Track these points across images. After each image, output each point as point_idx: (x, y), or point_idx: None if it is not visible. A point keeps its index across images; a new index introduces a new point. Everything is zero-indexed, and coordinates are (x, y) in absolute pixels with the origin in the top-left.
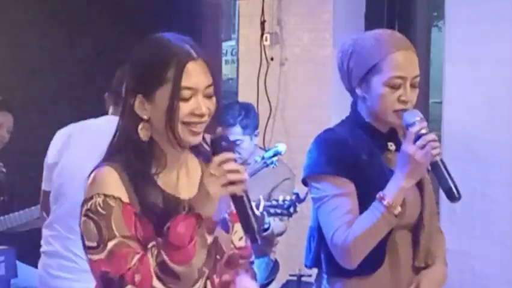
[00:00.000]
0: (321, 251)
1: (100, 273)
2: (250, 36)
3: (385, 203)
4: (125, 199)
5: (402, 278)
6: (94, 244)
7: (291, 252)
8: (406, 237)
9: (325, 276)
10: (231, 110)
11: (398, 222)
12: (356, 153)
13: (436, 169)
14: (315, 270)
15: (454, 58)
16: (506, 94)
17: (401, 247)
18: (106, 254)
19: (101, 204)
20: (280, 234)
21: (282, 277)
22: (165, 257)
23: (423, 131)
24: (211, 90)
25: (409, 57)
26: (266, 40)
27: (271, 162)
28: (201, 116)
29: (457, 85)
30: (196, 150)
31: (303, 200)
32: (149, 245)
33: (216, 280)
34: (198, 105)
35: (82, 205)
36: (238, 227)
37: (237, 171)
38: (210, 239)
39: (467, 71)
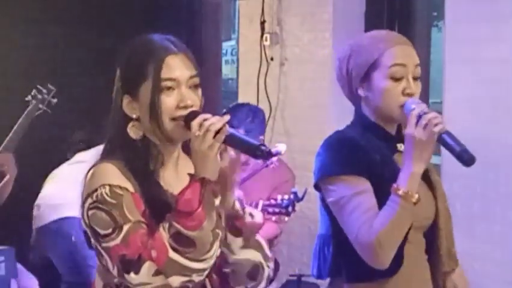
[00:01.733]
0: (340, 258)
1: (119, 257)
2: (250, 36)
3: (400, 192)
4: (132, 190)
5: (420, 281)
6: (109, 231)
7: (291, 252)
8: (420, 240)
9: (345, 285)
10: (238, 112)
11: (415, 221)
12: (369, 153)
13: (443, 142)
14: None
15: (453, 58)
16: (506, 94)
17: (416, 250)
18: (121, 238)
19: (109, 194)
20: (274, 238)
21: (282, 277)
22: (178, 226)
23: (423, 112)
24: (195, 80)
25: (408, 50)
26: (266, 40)
27: (271, 162)
28: (186, 107)
29: (457, 85)
30: (188, 149)
31: (301, 199)
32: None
33: (214, 276)
34: (181, 97)
35: (85, 201)
36: None
37: (217, 122)
38: (216, 201)
39: (467, 71)
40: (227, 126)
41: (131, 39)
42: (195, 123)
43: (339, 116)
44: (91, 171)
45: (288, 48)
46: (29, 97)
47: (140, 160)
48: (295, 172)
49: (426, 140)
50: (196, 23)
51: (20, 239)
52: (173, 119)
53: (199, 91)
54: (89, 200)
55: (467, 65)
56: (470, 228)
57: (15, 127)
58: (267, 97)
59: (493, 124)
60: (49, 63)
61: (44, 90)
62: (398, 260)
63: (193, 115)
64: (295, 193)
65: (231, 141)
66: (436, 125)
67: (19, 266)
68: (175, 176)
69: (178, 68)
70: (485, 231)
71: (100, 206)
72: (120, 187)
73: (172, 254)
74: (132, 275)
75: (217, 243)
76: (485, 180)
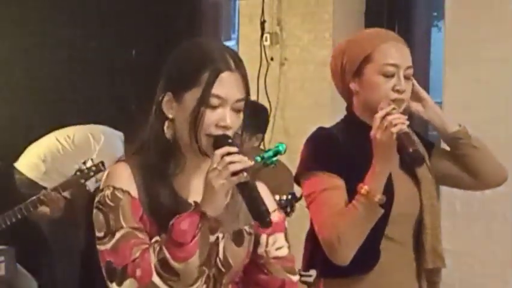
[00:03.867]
0: (316, 251)
1: (105, 263)
2: (250, 36)
3: (362, 191)
4: (134, 195)
5: (402, 278)
6: (101, 235)
7: (291, 252)
8: (406, 236)
9: (321, 278)
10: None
11: (395, 217)
12: (345, 150)
13: (399, 142)
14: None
15: (453, 58)
16: (506, 94)
17: (400, 246)
18: (112, 245)
19: (109, 196)
20: None
21: None
22: (166, 254)
23: (387, 114)
24: (241, 105)
25: (400, 48)
26: (266, 40)
27: (271, 162)
28: (225, 128)
29: (456, 85)
30: None
31: (300, 198)
32: (152, 240)
33: None
34: (223, 117)
35: (96, 197)
36: (275, 238)
37: (239, 162)
38: (212, 238)
39: (467, 72)
40: (245, 173)
41: (130, 39)
42: (218, 153)
43: (339, 116)
44: (108, 169)
45: (288, 48)
46: (81, 165)
47: (162, 159)
48: (294, 172)
49: (386, 140)
50: (196, 23)
51: (20, 239)
52: (208, 135)
53: (241, 115)
54: (96, 198)
55: (467, 65)
56: (470, 228)
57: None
58: (267, 97)
59: (493, 124)
60: (50, 63)
61: (94, 168)
62: (374, 256)
63: (222, 140)
64: (293, 193)
65: (242, 189)
66: (396, 125)
67: (18, 267)
68: (194, 184)
69: (230, 87)
70: (485, 231)
71: (100, 206)
72: (122, 190)
73: (155, 278)
74: (115, 285)
75: (202, 279)
76: None
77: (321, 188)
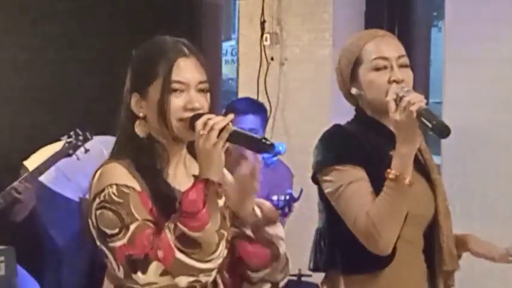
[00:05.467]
0: (335, 250)
1: (125, 257)
2: (250, 36)
3: (391, 175)
4: (139, 189)
5: (413, 278)
6: (116, 231)
7: (291, 252)
8: (418, 240)
9: (341, 277)
10: (243, 100)
11: (410, 218)
12: (364, 146)
13: (420, 119)
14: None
15: (453, 58)
16: (506, 94)
17: (413, 249)
18: (128, 238)
19: (116, 193)
20: None
21: None
22: (182, 228)
23: (402, 95)
24: (205, 86)
25: (387, 41)
26: (266, 40)
27: (271, 162)
28: (193, 110)
29: (457, 85)
30: (193, 151)
31: (297, 199)
32: (165, 224)
33: (227, 275)
34: (190, 99)
35: (92, 201)
36: None
37: (221, 120)
38: (220, 202)
39: (467, 71)
40: (230, 124)
41: (130, 39)
42: (199, 123)
43: (339, 116)
44: (98, 172)
45: (288, 48)
46: (65, 137)
47: (146, 158)
48: (294, 172)
49: (407, 120)
50: (196, 23)
51: (20, 239)
52: (180, 119)
53: (208, 96)
54: (97, 200)
55: (467, 64)
56: (470, 228)
57: (41, 162)
58: (267, 97)
59: (493, 124)
60: (50, 63)
61: (81, 137)
62: (389, 254)
63: (198, 117)
64: (291, 194)
65: (234, 138)
66: (414, 104)
67: (20, 268)
68: (181, 175)
69: (188, 71)
70: (485, 231)
71: (107, 205)
72: (127, 186)
73: (179, 255)
74: (139, 274)
75: (223, 243)
76: (485, 180)
77: (347, 180)
